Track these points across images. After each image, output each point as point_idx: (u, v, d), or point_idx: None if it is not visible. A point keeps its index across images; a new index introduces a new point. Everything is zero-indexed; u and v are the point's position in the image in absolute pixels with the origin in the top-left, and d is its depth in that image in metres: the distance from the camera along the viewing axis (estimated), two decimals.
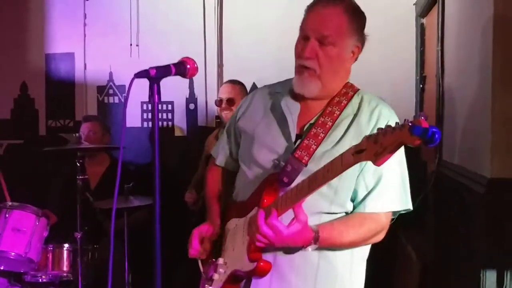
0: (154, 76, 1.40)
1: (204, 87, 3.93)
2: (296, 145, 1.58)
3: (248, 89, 3.70)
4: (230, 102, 3.23)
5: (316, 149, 1.54)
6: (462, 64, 2.50)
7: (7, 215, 2.74)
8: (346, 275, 1.61)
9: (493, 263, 1.80)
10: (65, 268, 2.95)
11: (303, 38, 1.59)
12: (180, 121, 4.02)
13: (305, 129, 1.62)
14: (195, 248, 1.71)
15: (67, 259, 2.95)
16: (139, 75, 1.41)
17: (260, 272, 1.52)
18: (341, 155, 1.30)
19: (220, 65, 3.90)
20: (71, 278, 2.94)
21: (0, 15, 4.17)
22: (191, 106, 3.99)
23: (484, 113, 1.99)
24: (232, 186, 1.81)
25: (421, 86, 3.53)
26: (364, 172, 1.54)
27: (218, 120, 3.77)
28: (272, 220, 1.42)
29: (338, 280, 1.60)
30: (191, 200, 3.35)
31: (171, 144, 3.96)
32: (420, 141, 1.10)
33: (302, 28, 1.61)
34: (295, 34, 1.66)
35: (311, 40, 1.56)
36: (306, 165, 1.53)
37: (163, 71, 1.43)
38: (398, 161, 1.56)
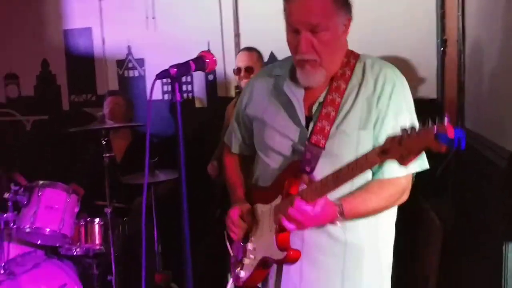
0: (175, 75, 1.42)
1: (222, 58, 3.92)
2: (310, 130, 1.59)
3: (266, 57, 3.69)
4: (249, 70, 3.21)
5: (330, 129, 1.55)
6: (483, 30, 2.45)
7: (39, 194, 2.84)
8: (373, 251, 1.65)
9: None
10: (97, 241, 3.06)
11: (294, 31, 1.55)
12: (199, 92, 4.04)
13: (314, 109, 1.62)
14: (237, 228, 1.73)
15: (98, 232, 3.06)
16: (160, 75, 1.44)
17: (290, 260, 1.57)
18: (366, 155, 1.31)
19: (237, 35, 3.87)
20: (104, 250, 3.07)
21: None
22: (210, 77, 4.01)
23: (507, 84, 1.97)
24: (250, 169, 1.85)
25: (441, 49, 3.48)
26: (379, 140, 1.54)
27: (238, 90, 3.79)
28: (298, 204, 1.46)
29: (365, 255, 1.64)
30: (213, 172, 3.40)
31: (192, 115, 4.00)
32: (446, 148, 1.10)
33: (289, 22, 1.56)
34: None
35: (303, 33, 1.52)
36: (324, 148, 1.55)
37: (183, 69, 1.46)
38: (411, 122, 1.53)
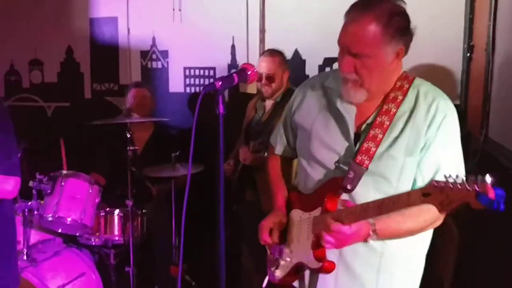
0: (220, 88, 1.46)
1: (246, 53, 3.91)
2: (356, 149, 1.61)
3: (290, 55, 3.68)
4: (270, 79, 3.19)
5: (376, 151, 1.57)
6: None
7: (62, 183, 2.89)
8: (408, 264, 1.68)
9: None
10: (116, 232, 3.12)
11: (340, 49, 1.58)
12: None
13: (362, 128, 1.63)
14: (266, 240, 1.79)
15: (118, 223, 3.12)
16: (207, 88, 1.50)
17: (325, 271, 1.63)
18: (408, 193, 1.37)
19: (262, 31, 3.86)
20: (122, 242, 3.12)
21: None
22: (233, 71, 3.99)
23: None
24: (290, 169, 1.91)
25: (468, 55, 3.44)
26: (421, 165, 1.57)
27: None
28: (336, 226, 1.51)
29: (400, 269, 1.66)
30: (228, 171, 3.38)
31: (212, 109, 3.99)
32: (483, 207, 1.14)
33: (338, 40, 1.58)
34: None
35: (346, 54, 1.55)
36: (367, 169, 1.57)
37: (227, 81, 1.51)
38: (455, 154, 1.58)
